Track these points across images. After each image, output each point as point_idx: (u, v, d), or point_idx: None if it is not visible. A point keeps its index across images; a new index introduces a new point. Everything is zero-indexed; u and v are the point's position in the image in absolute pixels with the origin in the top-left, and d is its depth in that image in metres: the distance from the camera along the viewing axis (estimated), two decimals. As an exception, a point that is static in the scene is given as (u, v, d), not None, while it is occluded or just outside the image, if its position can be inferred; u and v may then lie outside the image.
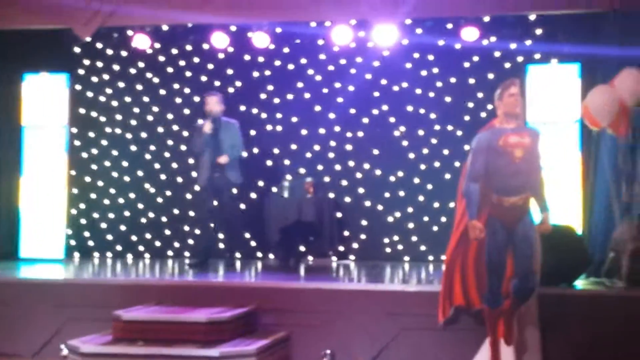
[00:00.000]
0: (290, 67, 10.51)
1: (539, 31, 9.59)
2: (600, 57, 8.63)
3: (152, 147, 10.65)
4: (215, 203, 9.07)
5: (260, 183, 10.49)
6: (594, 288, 7.18)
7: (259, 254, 10.39)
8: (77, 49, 10.56)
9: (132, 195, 10.57)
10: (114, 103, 10.72)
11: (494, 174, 5.90)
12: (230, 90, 10.58)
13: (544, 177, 6.02)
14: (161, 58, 10.66)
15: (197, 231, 10.24)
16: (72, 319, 7.16)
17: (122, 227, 10.57)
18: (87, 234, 10.63)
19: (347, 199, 10.36)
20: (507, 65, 9.81)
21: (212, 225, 9.23)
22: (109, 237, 10.63)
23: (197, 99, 10.55)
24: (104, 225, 10.68)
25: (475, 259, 6.30)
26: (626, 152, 7.48)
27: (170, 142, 10.66)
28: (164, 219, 10.61)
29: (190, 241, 10.54)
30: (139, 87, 10.68)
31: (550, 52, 9.47)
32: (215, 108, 9.08)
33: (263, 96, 10.56)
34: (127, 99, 10.71)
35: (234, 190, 9.58)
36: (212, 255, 9.30)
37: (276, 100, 10.54)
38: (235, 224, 9.37)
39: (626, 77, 7.25)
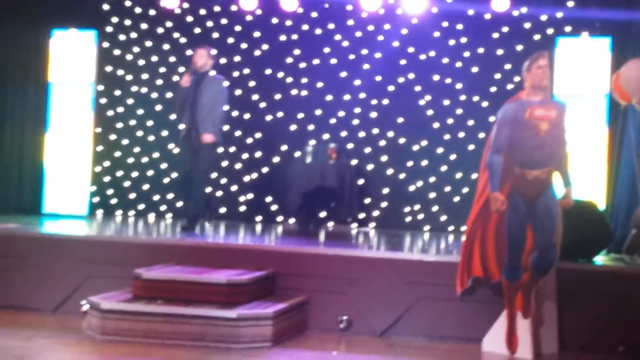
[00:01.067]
0: (318, 31, 10.46)
1: (570, 3, 9.47)
2: (632, 31, 8.52)
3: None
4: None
5: (284, 147, 10.50)
6: (614, 264, 7.15)
7: (280, 218, 10.43)
8: (105, 6, 10.56)
9: (155, 155, 10.63)
10: (141, 62, 10.73)
11: (518, 147, 5.86)
12: (257, 53, 10.57)
13: (568, 151, 5.98)
14: (189, 18, 10.64)
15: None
16: (93, 276, 7.23)
17: (145, 187, 10.64)
18: (110, 191, 10.72)
19: (370, 167, 10.35)
20: (537, 37, 9.72)
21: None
22: (132, 195, 10.71)
23: (223, 60, 10.55)
24: (127, 184, 10.76)
25: (495, 231, 6.28)
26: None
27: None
28: (186, 179, 10.65)
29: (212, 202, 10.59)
30: (166, 46, 10.68)
31: (581, 24, 9.35)
32: (200, 61, 8.44)
33: (289, 60, 10.53)
34: (154, 58, 10.72)
35: (218, 151, 9.00)
36: (201, 217, 8.71)
37: (302, 65, 10.50)
38: (200, 192, 8.48)
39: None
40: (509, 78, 9.72)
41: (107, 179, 10.71)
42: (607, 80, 8.75)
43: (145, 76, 10.74)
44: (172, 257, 7.16)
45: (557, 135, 5.88)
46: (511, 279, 6.01)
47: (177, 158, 9.68)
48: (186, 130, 8.37)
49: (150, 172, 10.63)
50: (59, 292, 7.31)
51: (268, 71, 10.55)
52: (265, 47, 10.57)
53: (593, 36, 9.34)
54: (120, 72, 10.77)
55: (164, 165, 10.67)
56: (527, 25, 9.79)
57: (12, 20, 10.26)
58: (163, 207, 10.69)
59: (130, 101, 10.76)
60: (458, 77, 10.10)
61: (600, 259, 7.31)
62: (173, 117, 10.54)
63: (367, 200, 10.29)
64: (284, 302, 6.55)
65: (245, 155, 10.61)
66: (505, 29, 9.92)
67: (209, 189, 8.96)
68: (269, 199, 10.51)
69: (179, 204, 10.60)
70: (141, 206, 10.63)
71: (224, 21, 10.61)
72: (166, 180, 10.69)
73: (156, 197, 10.69)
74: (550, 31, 9.65)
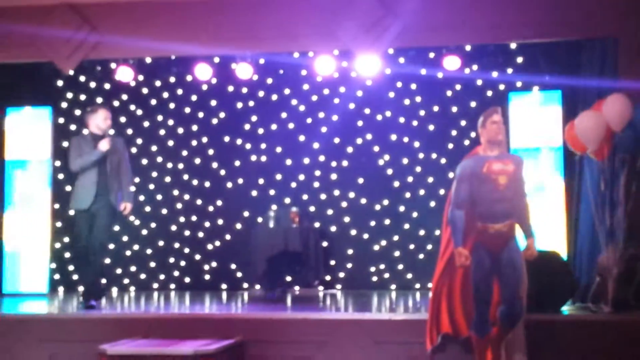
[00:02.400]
0: (274, 97, 10.55)
1: (520, 59, 9.70)
2: (582, 84, 8.71)
3: (136, 179, 10.60)
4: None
5: (246, 213, 10.48)
6: (581, 313, 7.19)
7: (245, 285, 10.35)
8: (59, 82, 10.55)
9: (116, 228, 10.51)
10: (98, 136, 10.68)
11: (478, 201, 5.91)
12: (214, 121, 10.62)
13: (528, 204, 6.04)
14: (144, 90, 10.68)
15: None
16: (56, 355, 7.07)
17: (107, 260, 10.50)
18: (71, 267, 10.55)
19: (333, 228, 10.36)
20: (489, 93, 9.91)
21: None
22: (94, 270, 10.54)
23: (181, 130, 10.57)
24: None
25: (461, 286, 6.29)
26: (608, 176, 7.53)
27: (154, 174, 10.64)
28: (148, 251, 10.57)
29: (176, 273, 10.49)
30: (123, 119, 10.67)
31: (532, 80, 9.56)
32: (107, 123, 8.20)
33: (247, 127, 10.59)
34: (110, 132, 10.66)
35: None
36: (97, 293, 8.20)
37: (260, 131, 10.56)
38: (95, 267, 8.03)
39: (614, 102, 7.30)
40: (465, 134, 9.87)
41: (67, 254, 10.55)
42: (559, 132, 8.92)
43: (103, 149, 10.67)
44: (137, 331, 7.04)
45: (516, 188, 5.95)
46: (480, 334, 6.00)
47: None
48: (93, 195, 8.01)
49: (111, 246, 10.51)
50: (23, 374, 7.13)
51: (226, 138, 10.58)
52: (222, 115, 10.62)
53: (543, 90, 9.54)
54: (77, 147, 10.69)
55: (125, 238, 10.57)
56: (479, 82, 9.99)
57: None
58: (126, 281, 10.56)
59: (88, 175, 10.66)
60: (415, 136, 10.23)
61: (567, 309, 7.34)
62: (132, 189, 10.49)
63: (332, 262, 10.28)
64: (253, 370, 6.46)
65: (207, 224, 10.56)
66: (458, 87, 10.11)
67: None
68: (233, 266, 10.44)
69: (142, 276, 10.50)
70: (103, 280, 10.47)
71: (179, 91, 10.66)
72: (128, 252, 10.58)
73: (119, 271, 10.55)
74: (502, 87, 9.85)
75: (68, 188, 10.60)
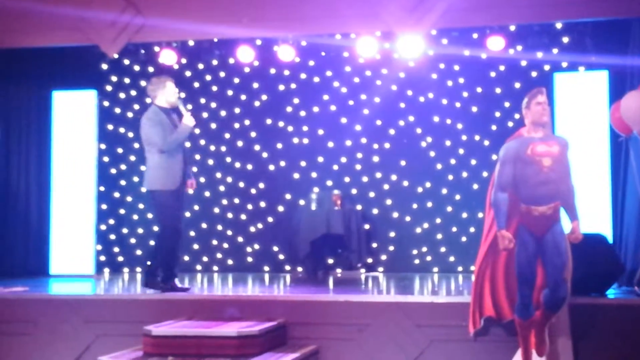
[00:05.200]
0: (316, 79, 10.53)
1: (565, 39, 9.53)
2: (629, 64, 8.56)
3: (180, 162, 10.69)
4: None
5: (288, 196, 10.50)
6: (626, 297, 7.10)
7: (288, 267, 10.39)
8: (104, 66, 10.65)
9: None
10: (142, 119, 10.77)
11: (522, 184, 5.85)
12: (257, 103, 10.64)
13: (573, 186, 5.96)
14: (187, 73, 10.72)
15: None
16: (102, 335, 7.18)
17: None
18: (116, 249, 10.70)
19: (375, 211, 10.34)
20: (534, 74, 9.78)
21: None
22: (138, 252, 10.68)
23: (223, 113, 10.62)
24: (133, 241, 10.74)
25: (505, 269, 6.24)
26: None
27: (197, 157, 10.70)
28: (192, 233, 10.65)
29: (219, 255, 10.57)
30: (166, 102, 10.72)
31: (578, 60, 9.41)
32: (177, 96, 7.86)
33: (289, 109, 10.59)
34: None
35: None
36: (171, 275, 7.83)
37: (302, 113, 10.56)
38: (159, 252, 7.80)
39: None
40: (509, 116, 9.76)
41: (112, 236, 10.69)
42: (606, 113, 8.77)
43: (146, 132, 10.77)
44: (181, 312, 7.11)
45: (560, 170, 5.87)
46: (523, 317, 5.95)
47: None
48: (181, 176, 7.68)
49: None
50: (70, 353, 7.25)
51: (269, 121, 10.60)
52: (264, 97, 10.64)
53: (589, 70, 9.38)
54: (121, 130, 10.83)
55: (169, 220, 10.65)
56: (524, 63, 9.86)
57: (13, 83, 10.34)
58: (170, 262, 10.65)
59: (132, 158, 10.79)
60: (458, 118, 10.15)
61: (612, 293, 7.25)
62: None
63: (374, 245, 10.27)
64: (296, 352, 6.49)
65: (249, 206, 10.61)
66: (502, 68, 10.00)
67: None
68: (275, 248, 10.49)
69: (186, 258, 10.59)
70: (148, 262, 10.56)
71: (222, 74, 10.69)
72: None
73: (163, 253, 10.65)
74: (547, 67, 9.71)
75: (113, 170, 10.76)
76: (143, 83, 10.63)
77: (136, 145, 10.76)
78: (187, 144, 8.00)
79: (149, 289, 7.69)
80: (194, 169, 8.20)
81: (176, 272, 7.90)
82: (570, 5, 7.95)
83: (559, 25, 9.37)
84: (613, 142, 8.91)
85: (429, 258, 10.14)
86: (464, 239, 9.97)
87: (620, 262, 7.48)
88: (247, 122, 10.66)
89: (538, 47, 9.65)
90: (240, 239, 10.59)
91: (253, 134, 10.65)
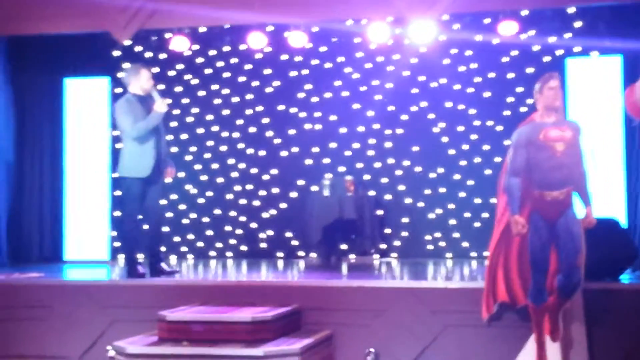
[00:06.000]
0: (328, 65, 10.52)
1: (578, 24, 9.48)
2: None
3: (193, 149, 10.73)
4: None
5: (301, 182, 10.52)
6: (640, 282, 7.09)
7: (301, 253, 10.41)
8: (116, 53, 10.67)
9: (174, 197, 10.65)
10: (154, 105, 10.80)
11: (535, 169, 5.84)
12: (269, 90, 10.64)
13: (586, 171, 5.95)
14: (199, 60, 10.73)
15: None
16: (117, 321, 7.23)
17: (165, 229, 10.63)
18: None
19: (388, 197, 10.35)
20: (547, 59, 9.74)
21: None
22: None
23: (235, 99, 10.63)
24: (146, 227, 10.74)
25: (518, 254, 6.25)
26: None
27: (210, 143, 10.73)
28: (205, 219, 10.69)
29: (233, 241, 10.60)
30: (178, 88, 10.76)
31: (591, 45, 9.36)
32: (150, 83, 7.94)
33: (301, 95, 10.59)
34: (167, 101, 10.77)
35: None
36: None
37: (314, 99, 10.56)
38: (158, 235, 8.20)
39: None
40: (521, 101, 9.73)
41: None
42: (619, 98, 8.73)
43: (159, 119, 10.79)
44: (195, 298, 7.15)
45: (573, 155, 5.86)
46: (537, 303, 5.96)
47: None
48: (154, 161, 7.73)
49: (169, 214, 10.66)
50: (85, 339, 7.31)
51: (281, 107, 10.61)
52: (276, 83, 10.64)
53: (603, 55, 9.34)
54: (134, 117, 10.83)
55: (182, 207, 10.71)
56: (536, 48, 9.81)
57: (25, 70, 10.37)
58: (184, 249, 10.71)
59: (145, 145, 10.80)
60: (471, 103, 10.12)
61: (626, 277, 7.24)
62: (189, 158, 10.59)
63: (388, 231, 10.28)
64: (310, 337, 6.51)
65: (262, 192, 10.63)
66: (514, 53, 9.95)
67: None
68: (289, 234, 10.51)
69: (200, 244, 10.63)
70: (162, 248, 10.59)
71: (234, 60, 10.69)
72: (185, 221, 10.72)
73: (177, 239, 10.71)
74: (559, 52, 9.66)
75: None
76: (155, 69, 10.61)
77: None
78: (171, 137, 8.05)
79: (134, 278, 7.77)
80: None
81: (162, 256, 8.16)
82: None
83: (571, 10, 9.31)
84: (627, 126, 8.87)
85: (442, 244, 10.15)
86: (477, 224, 9.97)
87: (634, 246, 7.45)
88: (259, 109, 10.67)
89: (551, 32, 9.60)
90: (253, 225, 10.62)
91: (265, 120, 10.66)
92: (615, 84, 9.12)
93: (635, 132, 8.52)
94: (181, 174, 10.67)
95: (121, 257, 10.49)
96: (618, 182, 9.01)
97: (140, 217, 7.92)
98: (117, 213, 10.58)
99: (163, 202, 10.39)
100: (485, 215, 9.75)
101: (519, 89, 9.85)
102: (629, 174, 8.90)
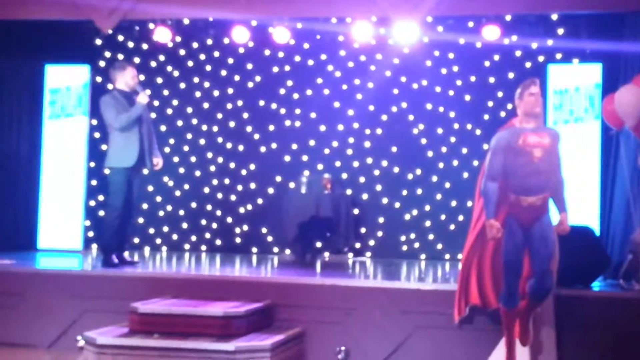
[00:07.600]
0: (310, 62, 10.51)
1: (560, 31, 9.53)
2: (623, 57, 8.57)
3: (171, 141, 10.68)
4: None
5: (278, 178, 10.50)
6: (612, 290, 7.14)
7: (276, 249, 10.40)
8: (98, 41, 10.60)
9: (150, 188, 10.60)
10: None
11: (512, 174, 5.87)
12: (250, 85, 10.61)
13: (563, 178, 5.99)
14: (182, 52, 10.69)
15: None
16: (88, 311, 7.20)
17: (140, 220, 10.61)
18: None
19: (365, 196, 10.36)
20: (528, 64, 9.79)
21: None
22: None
23: (216, 93, 10.60)
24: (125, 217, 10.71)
25: (492, 258, 6.28)
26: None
27: (189, 136, 10.69)
28: (181, 212, 10.65)
29: (208, 235, 10.58)
30: (159, 80, 10.71)
31: (572, 51, 9.42)
32: (135, 80, 8.34)
33: (282, 91, 10.57)
34: (147, 92, 10.72)
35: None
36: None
37: (295, 96, 10.54)
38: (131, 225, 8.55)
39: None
40: (501, 105, 9.77)
41: (101, 213, 10.66)
42: (598, 106, 8.80)
43: (138, 110, 10.74)
44: (168, 290, 7.13)
45: (551, 162, 5.89)
46: (509, 306, 5.99)
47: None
48: (138, 152, 8.10)
49: (144, 206, 10.61)
50: (55, 328, 7.28)
51: (261, 103, 10.58)
52: (258, 78, 10.62)
53: (583, 62, 9.40)
54: (113, 106, 10.77)
55: (158, 199, 10.66)
56: (518, 53, 9.87)
57: (5, 55, 10.28)
58: (158, 241, 10.67)
59: (123, 135, 10.74)
60: (451, 106, 10.15)
61: (597, 285, 7.29)
62: (167, 150, 10.54)
63: (363, 230, 10.29)
64: (281, 333, 6.52)
65: (239, 187, 10.61)
66: (496, 57, 9.99)
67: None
68: (264, 230, 10.49)
69: (175, 237, 10.60)
70: (136, 240, 10.59)
71: (216, 54, 10.65)
72: (161, 213, 10.68)
73: (151, 231, 10.66)
74: (541, 58, 9.72)
75: (104, 146, 10.70)
76: (136, 60, 10.60)
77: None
78: (162, 130, 8.15)
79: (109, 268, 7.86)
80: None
81: (126, 247, 8.41)
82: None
83: (554, 17, 9.36)
84: (604, 135, 8.94)
85: (416, 245, 10.17)
86: (452, 226, 10.00)
87: (606, 255, 7.53)
88: (239, 103, 10.64)
89: (533, 38, 9.64)
90: (229, 220, 10.59)
91: (245, 115, 10.63)
92: (595, 91, 9.17)
93: (612, 140, 8.58)
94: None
95: (94, 247, 10.46)
96: (593, 190, 9.07)
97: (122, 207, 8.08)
98: (92, 203, 10.58)
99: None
100: (461, 218, 9.80)
101: (500, 94, 9.89)
102: (604, 182, 8.95)
